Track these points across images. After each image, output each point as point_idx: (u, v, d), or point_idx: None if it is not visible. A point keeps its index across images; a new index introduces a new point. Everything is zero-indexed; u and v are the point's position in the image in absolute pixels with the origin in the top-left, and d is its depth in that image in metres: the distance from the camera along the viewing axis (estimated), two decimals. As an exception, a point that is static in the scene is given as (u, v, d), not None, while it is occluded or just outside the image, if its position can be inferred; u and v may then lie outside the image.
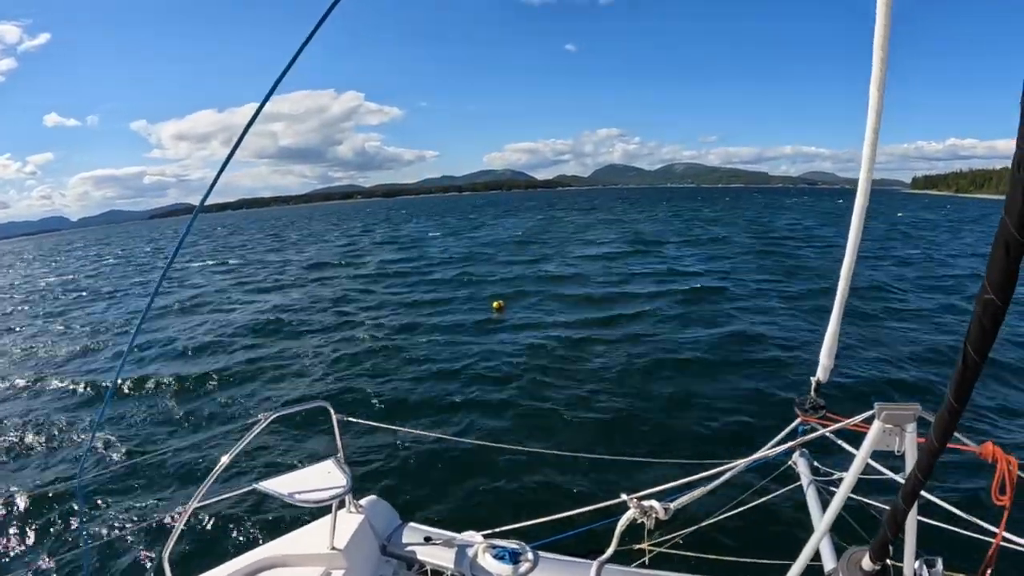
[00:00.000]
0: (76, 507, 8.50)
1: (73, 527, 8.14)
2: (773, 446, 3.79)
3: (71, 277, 44.01)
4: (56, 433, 11.44)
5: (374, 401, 11.81)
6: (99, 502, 8.72)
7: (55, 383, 14.99)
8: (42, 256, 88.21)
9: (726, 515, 4.48)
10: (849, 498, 2.66)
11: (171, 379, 14.07)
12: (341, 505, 3.32)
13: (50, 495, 8.98)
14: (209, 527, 7.50)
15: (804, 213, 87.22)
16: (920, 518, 2.66)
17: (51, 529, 8.19)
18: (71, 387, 14.41)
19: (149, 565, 7.24)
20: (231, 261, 43.28)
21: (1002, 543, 2.76)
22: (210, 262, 41.86)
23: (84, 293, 33.78)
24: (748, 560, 4.50)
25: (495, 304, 20.51)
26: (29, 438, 11.33)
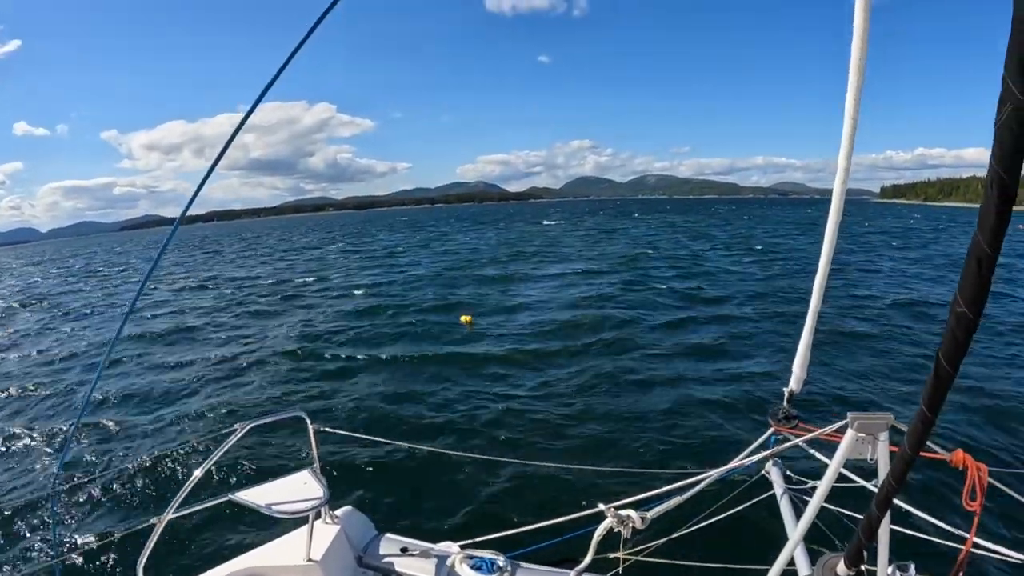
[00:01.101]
0: (48, 517, 8.35)
1: (45, 538, 7.98)
2: (747, 456, 3.82)
3: (42, 291, 43.23)
4: (28, 443, 11.24)
5: (350, 412, 11.73)
6: (72, 512, 8.57)
7: (29, 391, 14.75)
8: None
9: (701, 524, 4.50)
10: (822, 506, 2.70)
11: (147, 389, 13.90)
12: (317, 516, 3.30)
13: (22, 505, 8.82)
14: (184, 538, 7.39)
15: (777, 224, 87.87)
16: (893, 525, 2.71)
17: (22, 540, 8.02)
18: (46, 396, 14.18)
19: (123, 576, 7.15)
20: (200, 277, 42.65)
21: (973, 548, 2.81)
22: (177, 281, 41.08)
23: (56, 305, 33.29)
24: (723, 567, 4.53)
25: (466, 318, 20.57)
26: (0, 447, 11.13)
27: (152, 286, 36.72)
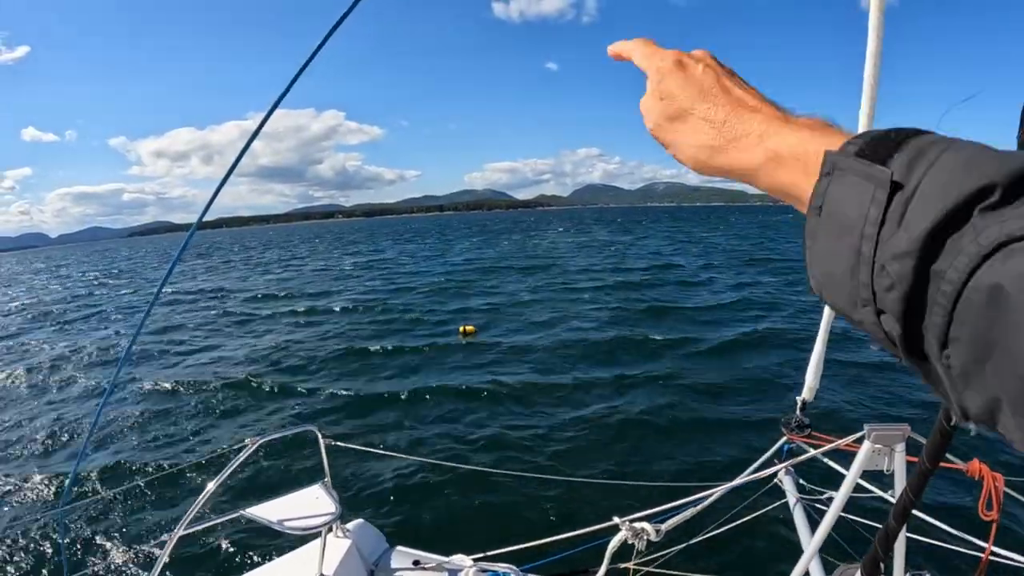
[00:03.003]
0: (58, 535, 8.35)
1: (55, 554, 7.97)
2: (760, 466, 3.80)
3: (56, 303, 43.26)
4: (40, 458, 11.24)
5: (361, 425, 11.68)
6: (83, 529, 8.56)
7: (37, 408, 14.76)
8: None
9: (715, 535, 4.47)
10: (838, 516, 2.68)
11: (157, 406, 13.84)
12: (329, 530, 3.29)
13: (31, 521, 8.82)
14: (196, 554, 7.37)
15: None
16: (909, 534, 2.69)
17: (31, 557, 8.01)
18: (53, 412, 14.17)
19: (135, 594, 7.15)
20: (206, 287, 42.47)
21: (991, 557, 2.79)
22: (184, 292, 40.85)
23: (72, 313, 33.38)
24: (738, 579, 4.50)
25: (468, 328, 20.62)
26: (9, 463, 11.13)
27: (166, 293, 36.73)
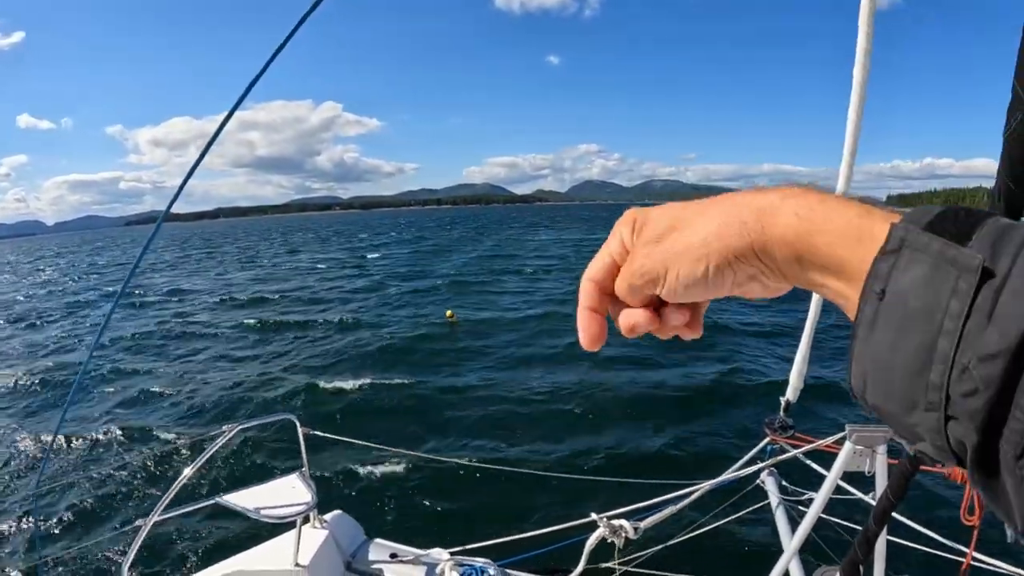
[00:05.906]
0: (32, 519, 8.30)
1: (30, 538, 7.94)
2: (743, 466, 3.79)
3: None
4: (12, 443, 11.14)
5: (341, 415, 11.61)
6: (57, 514, 8.52)
7: (11, 388, 14.66)
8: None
9: (696, 534, 4.46)
10: (818, 517, 2.66)
11: (135, 389, 13.76)
12: (305, 520, 3.25)
13: (5, 506, 8.77)
14: (170, 541, 7.35)
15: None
16: (890, 537, 2.67)
17: (6, 541, 7.98)
18: (27, 396, 14.06)
19: (108, 578, 7.09)
20: (191, 275, 42.19)
21: (972, 563, 2.77)
22: (169, 279, 40.58)
23: (56, 293, 33.30)
24: (718, 579, 4.48)
25: (449, 314, 20.70)
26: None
27: (142, 282, 36.64)
